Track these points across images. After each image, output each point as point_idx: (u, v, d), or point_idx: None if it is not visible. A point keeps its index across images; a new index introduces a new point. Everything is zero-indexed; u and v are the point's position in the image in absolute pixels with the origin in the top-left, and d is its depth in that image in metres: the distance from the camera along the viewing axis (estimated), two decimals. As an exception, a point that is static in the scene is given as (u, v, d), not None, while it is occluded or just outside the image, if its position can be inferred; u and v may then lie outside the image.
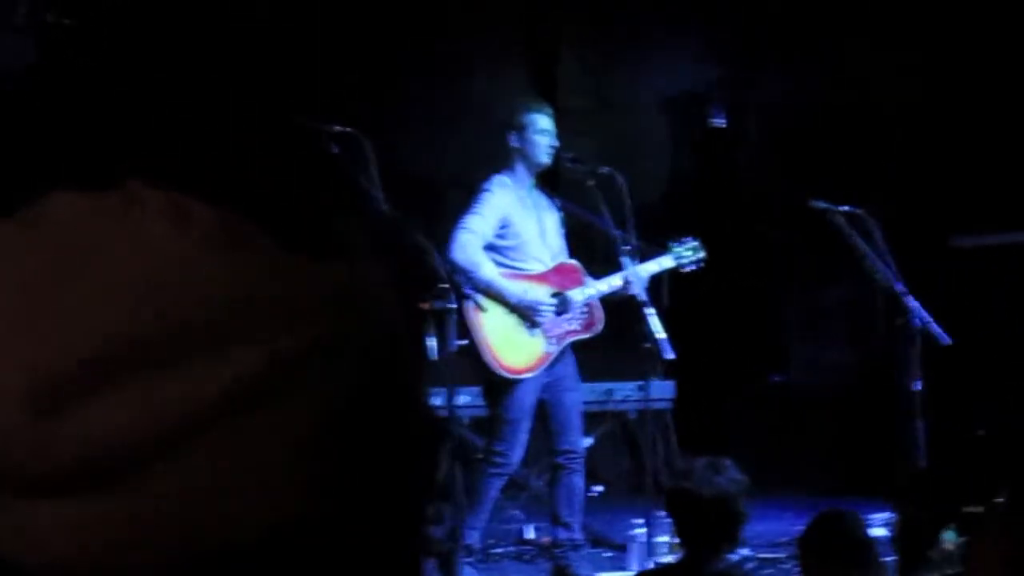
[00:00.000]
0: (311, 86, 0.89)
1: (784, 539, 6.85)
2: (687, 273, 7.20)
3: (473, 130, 8.70)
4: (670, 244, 7.17)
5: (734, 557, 4.38)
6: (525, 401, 6.70)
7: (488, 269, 6.65)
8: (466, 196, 6.84)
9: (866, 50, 9.49)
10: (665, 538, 6.61)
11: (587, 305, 6.91)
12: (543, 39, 10.16)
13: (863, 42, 9.51)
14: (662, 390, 8.05)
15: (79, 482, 0.74)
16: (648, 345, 6.81)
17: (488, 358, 6.65)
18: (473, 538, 6.81)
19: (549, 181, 7.15)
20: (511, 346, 6.70)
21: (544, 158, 6.78)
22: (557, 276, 6.92)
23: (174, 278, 0.76)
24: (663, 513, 6.47)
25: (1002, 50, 9.07)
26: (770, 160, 10.03)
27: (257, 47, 0.87)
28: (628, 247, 6.89)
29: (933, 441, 6.73)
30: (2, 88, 0.82)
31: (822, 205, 6.96)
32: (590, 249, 7.58)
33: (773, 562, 6.88)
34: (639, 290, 6.85)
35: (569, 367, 6.90)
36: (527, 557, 7.42)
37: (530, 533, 7.69)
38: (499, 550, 7.43)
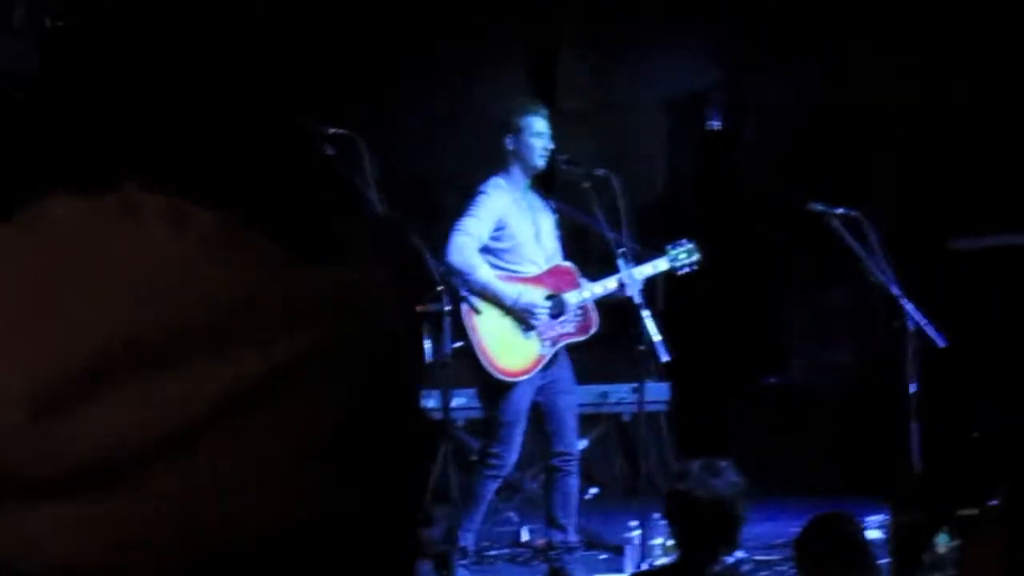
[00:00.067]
0: (309, 87, 0.89)
1: (781, 541, 6.85)
2: (683, 275, 7.19)
3: (471, 131, 8.70)
4: (665, 246, 7.16)
5: (730, 559, 4.38)
6: (520, 403, 6.70)
7: (484, 271, 6.66)
8: (463, 198, 6.84)
9: (866, 51, 9.50)
10: (660, 540, 6.61)
11: (582, 307, 6.91)
12: (542, 40, 10.16)
13: (863, 43, 9.51)
14: (657, 392, 8.06)
15: (79, 483, 0.74)
16: (643, 347, 6.81)
17: (483, 360, 6.65)
18: (468, 540, 6.81)
19: (545, 183, 7.15)
20: (506, 348, 6.70)
21: (539, 161, 6.78)
22: (552, 278, 6.92)
23: (173, 280, 0.76)
24: (658, 515, 6.48)
25: (1002, 51, 9.07)
26: (769, 161, 10.03)
27: (256, 48, 0.87)
28: (623, 249, 6.88)
29: (929, 443, 6.73)
30: (1, 90, 0.82)
31: (819, 208, 6.97)
32: (585, 251, 7.58)
33: (770, 564, 6.88)
34: (634, 292, 6.85)
35: (564, 369, 6.90)
36: (522, 559, 7.42)
37: (525, 535, 7.69)
38: (494, 552, 7.43)
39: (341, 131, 5.71)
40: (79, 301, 0.76)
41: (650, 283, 7.11)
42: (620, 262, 6.89)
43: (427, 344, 6.95)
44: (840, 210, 6.93)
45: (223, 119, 0.84)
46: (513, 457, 6.78)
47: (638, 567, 6.54)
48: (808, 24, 9.54)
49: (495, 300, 6.68)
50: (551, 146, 6.82)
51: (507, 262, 6.79)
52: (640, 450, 7.48)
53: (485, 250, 6.70)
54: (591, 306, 6.94)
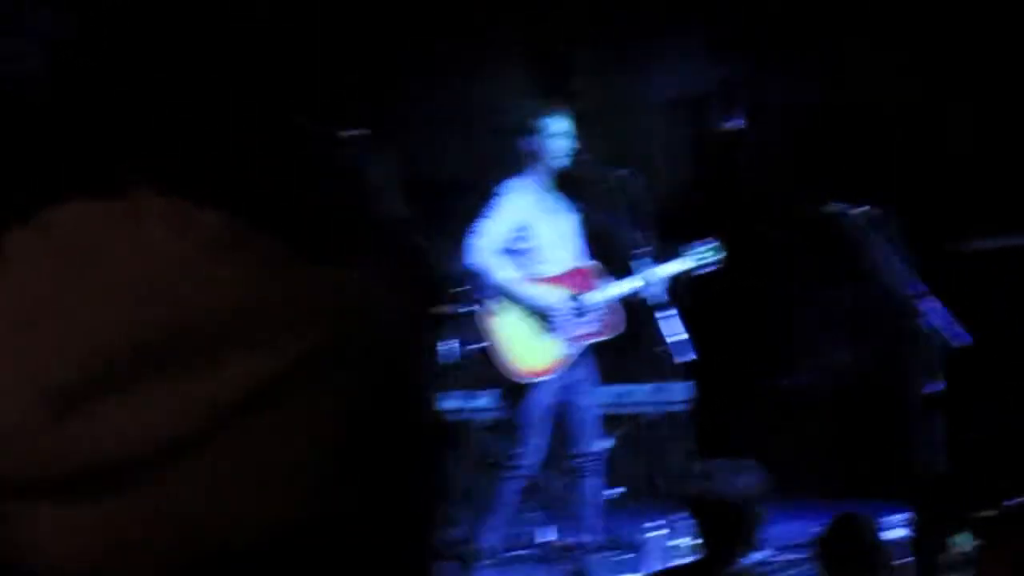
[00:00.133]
0: (319, 89, 0.90)
1: (801, 541, 6.83)
2: (705, 274, 7.18)
3: (482, 132, 8.70)
4: (689, 245, 7.15)
5: (752, 559, 4.37)
6: (541, 404, 6.70)
7: (502, 272, 6.66)
8: (479, 199, 6.84)
9: (875, 51, 9.46)
10: (683, 540, 6.60)
11: (605, 307, 6.91)
12: (548, 40, 10.15)
13: (872, 43, 9.47)
14: (680, 392, 8.04)
15: (86, 485, 0.74)
16: (666, 347, 6.80)
17: (505, 361, 6.65)
18: (492, 541, 6.81)
19: (566, 183, 7.14)
20: (527, 349, 6.69)
21: (558, 161, 6.78)
22: (574, 278, 6.92)
23: (174, 281, 0.77)
24: (681, 515, 6.47)
25: (1011, 50, 9.03)
26: (777, 161, 9.99)
27: (262, 51, 0.88)
28: (646, 249, 6.88)
29: (948, 444, 6.70)
30: (9, 93, 0.82)
31: (838, 206, 6.94)
32: (608, 251, 7.57)
33: (791, 564, 6.86)
34: (657, 291, 6.84)
35: (587, 370, 6.89)
36: (544, 560, 7.41)
37: (547, 536, 7.68)
38: (516, 552, 7.42)
39: (357, 133, 5.71)
40: (85, 306, 0.76)
41: (674, 282, 7.10)
42: (643, 261, 6.88)
43: (448, 346, 6.95)
44: (861, 208, 6.90)
45: (225, 121, 0.85)
46: (535, 458, 6.78)
47: (660, 567, 6.53)
48: (817, 24, 9.51)
49: (515, 301, 6.68)
50: (573, 146, 6.81)
51: (530, 263, 6.79)
52: (663, 450, 7.46)
53: (507, 251, 6.70)
54: (615, 305, 6.93)
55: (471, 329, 6.66)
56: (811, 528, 4.71)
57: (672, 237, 7.25)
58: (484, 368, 6.76)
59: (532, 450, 6.71)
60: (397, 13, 8.75)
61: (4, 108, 0.82)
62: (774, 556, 6.86)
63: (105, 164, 0.81)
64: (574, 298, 6.84)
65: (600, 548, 6.93)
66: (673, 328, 6.74)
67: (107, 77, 0.83)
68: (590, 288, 6.90)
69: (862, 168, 9.18)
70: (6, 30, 0.83)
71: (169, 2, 0.85)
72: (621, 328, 6.94)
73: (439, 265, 6.27)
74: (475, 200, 7.02)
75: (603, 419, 7.16)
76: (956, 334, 6.72)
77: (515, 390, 6.71)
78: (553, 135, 6.75)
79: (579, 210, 7.08)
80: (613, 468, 7.46)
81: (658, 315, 6.79)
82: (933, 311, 6.75)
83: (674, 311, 6.78)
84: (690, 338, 6.75)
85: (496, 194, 6.76)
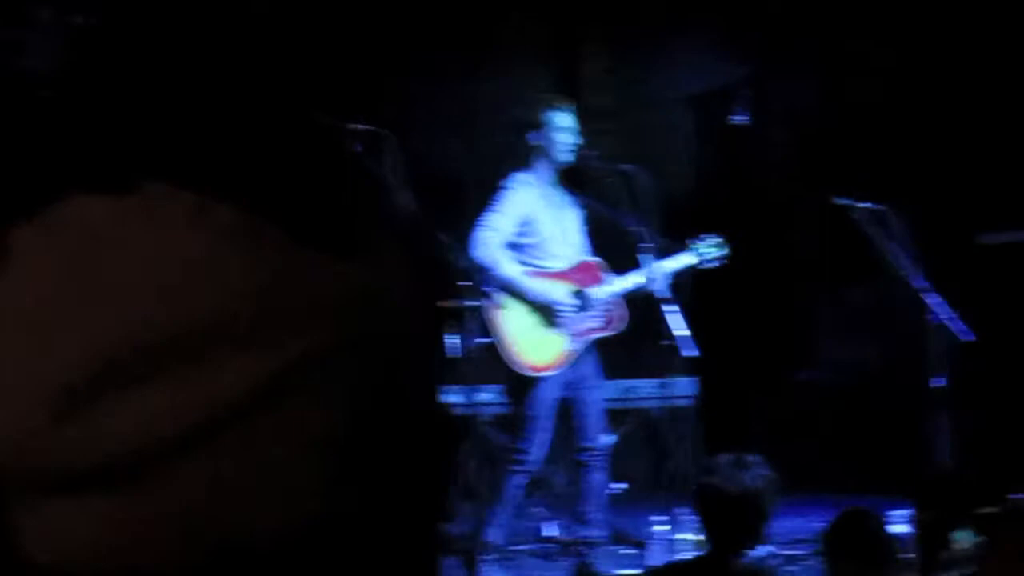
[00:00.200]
0: (334, 84, 0.89)
1: (807, 536, 6.83)
2: (711, 269, 7.18)
3: (496, 128, 8.69)
4: (693, 241, 7.15)
5: (758, 553, 4.37)
6: (547, 398, 6.71)
7: (509, 267, 6.66)
8: (488, 194, 6.85)
9: (890, 46, 9.45)
10: (688, 535, 6.60)
11: (609, 302, 6.91)
12: (565, 37, 10.15)
13: (888, 38, 9.47)
14: (684, 387, 8.04)
15: (97, 482, 0.74)
16: (670, 342, 6.79)
17: (510, 356, 6.65)
18: (496, 536, 6.81)
19: (571, 178, 7.14)
20: (533, 344, 6.70)
21: (566, 156, 6.78)
22: (579, 273, 6.92)
23: (192, 278, 0.76)
24: (686, 510, 6.47)
25: (1016, 44, 9.02)
26: (794, 157, 9.99)
27: (278, 47, 0.88)
28: (650, 244, 6.87)
29: (956, 439, 6.70)
30: (24, 90, 0.82)
31: (844, 202, 6.94)
32: (612, 246, 7.57)
33: (796, 559, 6.86)
34: (661, 287, 6.84)
35: (592, 364, 6.89)
36: (549, 555, 7.41)
37: (552, 530, 7.68)
38: (521, 547, 7.42)
39: (370, 128, 5.72)
40: (98, 302, 0.76)
41: (678, 277, 7.10)
42: (647, 256, 6.88)
43: (454, 340, 6.95)
44: (866, 204, 6.91)
45: (244, 117, 0.84)
46: (540, 452, 6.78)
47: (665, 562, 6.53)
48: (831, 21, 9.50)
49: (521, 295, 6.68)
50: (578, 141, 6.81)
51: (534, 258, 6.79)
52: (668, 446, 7.46)
53: (512, 246, 6.71)
54: (618, 301, 6.93)
55: (477, 323, 6.66)
56: (818, 522, 4.71)
57: (676, 233, 7.25)
58: (490, 362, 6.76)
59: (537, 445, 6.72)
60: (405, 7, 8.74)
61: (12, 102, 0.82)
62: (779, 551, 6.86)
63: (115, 159, 0.81)
64: (579, 293, 6.84)
65: (605, 543, 6.93)
66: (677, 324, 6.74)
67: (116, 70, 0.83)
68: (595, 283, 6.90)
69: (867, 163, 9.17)
70: (15, 22, 0.83)
71: None
72: (625, 323, 6.94)
73: (447, 259, 6.27)
74: (482, 194, 7.03)
75: (609, 414, 7.17)
76: (960, 330, 6.72)
77: (521, 384, 6.71)
78: (559, 129, 6.75)
79: (583, 205, 7.08)
80: (619, 463, 7.46)
81: (663, 310, 6.79)
82: (938, 307, 6.75)
83: (676, 307, 6.78)
84: (693, 334, 6.74)
85: (503, 188, 6.76)
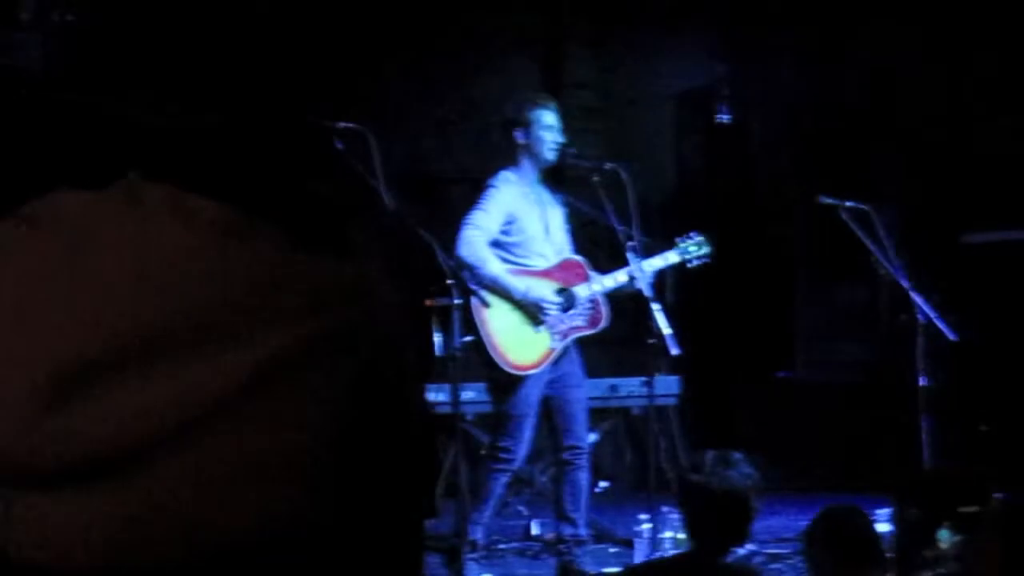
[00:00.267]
0: (315, 82, 0.89)
1: (791, 534, 6.85)
2: (693, 268, 7.19)
3: (479, 126, 8.70)
4: (676, 239, 7.16)
5: (741, 551, 4.37)
6: (530, 397, 6.71)
7: (494, 265, 6.66)
8: (471, 192, 6.84)
9: (876, 45, 9.47)
10: (670, 533, 6.61)
11: (592, 301, 6.91)
12: (549, 34, 10.16)
13: (873, 37, 9.48)
14: (667, 386, 8.05)
15: (83, 477, 0.74)
16: (653, 341, 6.80)
17: (494, 354, 6.65)
18: (478, 534, 6.81)
19: (554, 177, 7.15)
20: (516, 342, 6.69)
21: (549, 154, 6.78)
22: (562, 272, 6.92)
23: (175, 274, 0.76)
24: (668, 508, 6.48)
25: (1017, 45, 9.05)
26: (779, 156, 10.01)
27: (263, 45, 0.87)
28: (633, 243, 6.87)
29: (939, 438, 6.72)
30: (7, 85, 0.82)
31: (829, 201, 6.96)
32: (595, 245, 7.57)
33: (779, 557, 6.88)
34: (644, 286, 6.84)
35: (574, 363, 6.89)
36: (532, 553, 7.42)
37: (535, 529, 7.69)
38: (504, 546, 7.43)
39: (350, 125, 5.70)
40: (82, 296, 0.75)
41: (660, 276, 7.11)
42: (630, 255, 6.88)
43: (437, 338, 6.95)
44: (849, 203, 6.93)
45: (227, 112, 0.84)
46: (523, 451, 6.78)
47: (649, 559, 6.54)
48: (817, 19, 9.52)
49: (505, 294, 6.68)
50: (561, 140, 6.82)
51: (517, 256, 6.79)
52: (650, 444, 7.46)
53: (495, 244, 6.71)
54: (601, 299, 6.93)
55: (461, 321, 6.66)
56: (801, 521, 4.72)
57: (661, 231, 7.26)
58: (474, 361, 6.76)
59: (522, 443, 6.72)
60: (393, 7, 8.74)
61: (6, 98, 0.82)
62: (762, 549, 6.88)
63: (108, 155, 0.80)
64: (563, 291, 6.84)
65: (588, 541, 6.93)
66: (661, 322, 6.74)
67: (111, 69, 0.83)
68: (579, 281, 6.90)
69: (852, 163, 9.19)
70: (8, 21, 0.83)
71: None
72: (608, 322, 6.94)
73: (432, 256, 6.25)
74: (466, 192, 7.03)
75: (592, 412, 7.17)
76: (945, 330, 6.74)
77: (505, 383, 6.70)
78: (545, 128, 6.75)
79: (567, 203, 7.08)
80: (602, 461, 7.47)
81: (646, 309, 6.79)
82: (924, 305, 6.76)
83: (659, 306, 6.78)
84: (677, 332, 6.75)
85: (487, 186, 6.76)
